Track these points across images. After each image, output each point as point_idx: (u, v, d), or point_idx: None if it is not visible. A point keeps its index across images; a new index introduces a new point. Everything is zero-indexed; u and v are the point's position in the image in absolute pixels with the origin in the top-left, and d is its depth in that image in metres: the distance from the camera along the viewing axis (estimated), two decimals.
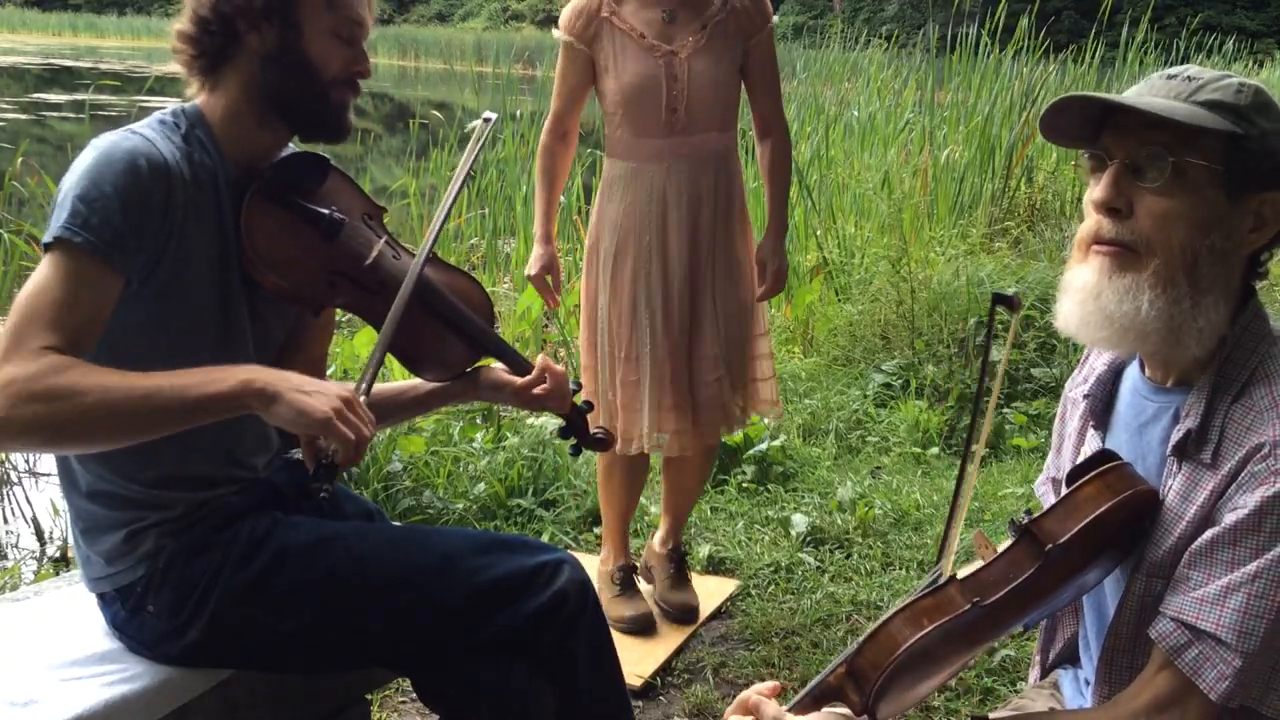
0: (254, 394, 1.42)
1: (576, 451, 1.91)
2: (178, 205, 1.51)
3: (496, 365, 1.82)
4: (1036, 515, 1.19)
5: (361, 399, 1.49)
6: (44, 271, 1.43)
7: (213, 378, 1.42)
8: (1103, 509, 1.16)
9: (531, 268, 2.78)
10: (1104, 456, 1.24)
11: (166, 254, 1.51)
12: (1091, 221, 1.21)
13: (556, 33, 2.67)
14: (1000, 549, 1.20)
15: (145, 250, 1.48)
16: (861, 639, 1.17)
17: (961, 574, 1.19)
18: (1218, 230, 1.16)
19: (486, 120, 1.83)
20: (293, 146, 1.74)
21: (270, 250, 1.59)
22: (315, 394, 1.42)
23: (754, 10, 2.61)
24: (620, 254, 2.65)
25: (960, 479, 1.28)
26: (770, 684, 1.22)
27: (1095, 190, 1.20)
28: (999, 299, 1.27)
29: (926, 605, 1.16)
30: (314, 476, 1.44)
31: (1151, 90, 1.20)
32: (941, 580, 1.19)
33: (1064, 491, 1.22)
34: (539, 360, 1.79)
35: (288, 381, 1.43)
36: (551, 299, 2.81)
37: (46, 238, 1.45)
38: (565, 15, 2.65)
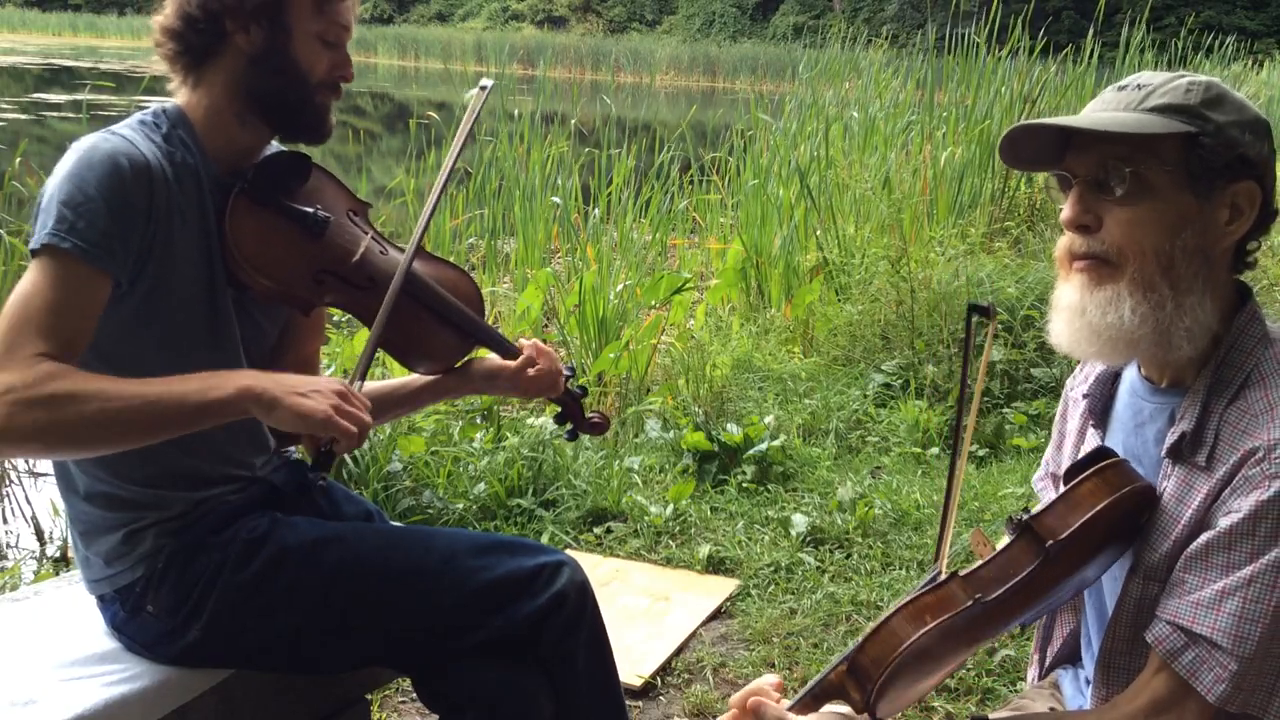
0: (253, 399, 1.43)
1: (573, 436, 1.92)
2: (161, 204, 1.51)
3: (490, 355, 1.83)
4: (1036, 512, 1.19)
5: (355, 385, 1.51)
6: (32, 277, 1.43)
7: (211, 384, 1.43)
8: (1102, 505, 1.17)
9: None
10: (1101, 453, 1.24)
11: (152, 254, 1.51)
12: (1065, 238, 1.23)
13: None
14: (999, 546, 1.20)
15: (132, 251, 1.48)
16: (862, 637, 1.17)
17: (962, 572, 1.19)
18: (1189, 229, 1.17)
19: (483, 88, 1.82)
20: (274, 145, 1.74)
21: (257, 253, 1.59)
22: (312, 394, 1.43)
23: None
24: None
25: (951, 479, 1.28)
26: (773, 678, 1.21)
27: (1064, 209, 1.22)
28: (975, 309, 1.27)
29: (928, 602, 1.16)
30: (313, 466, 1.47)
31: (1103, 105, 1.22)
32: (941, 578, 1.19)
33: (1063, 488, 1.22)
34: (528, 343, 1.80)
35: (283, 385, 1.44)
36: None
37: (33, 244, 1.45)
38: None
